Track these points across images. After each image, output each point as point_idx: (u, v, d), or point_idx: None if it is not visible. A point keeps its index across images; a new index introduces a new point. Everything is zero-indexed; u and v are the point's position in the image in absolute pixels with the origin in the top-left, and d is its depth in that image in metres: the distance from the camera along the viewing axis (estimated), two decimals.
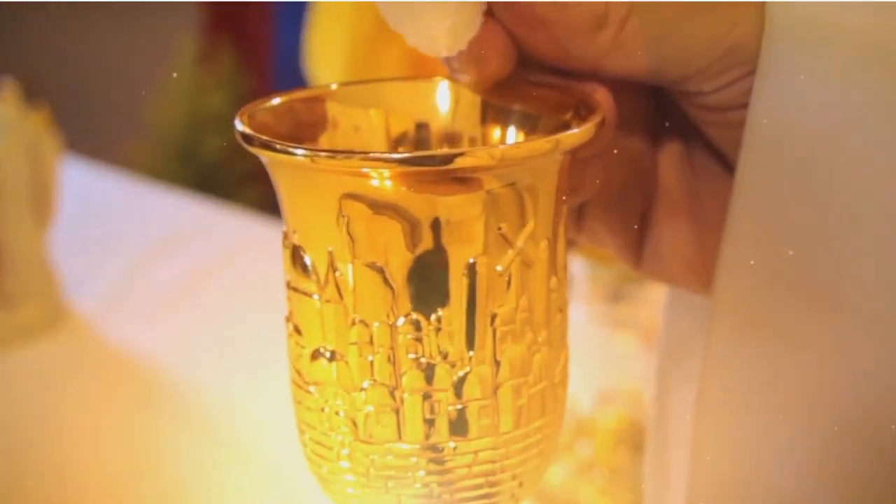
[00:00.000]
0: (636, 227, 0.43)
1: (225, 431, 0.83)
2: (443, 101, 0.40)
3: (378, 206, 0.34)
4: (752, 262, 0.38)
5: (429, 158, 0.34)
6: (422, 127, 0.40)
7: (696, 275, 0.42)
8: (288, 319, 0.38)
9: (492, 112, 0.39)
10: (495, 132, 0.39)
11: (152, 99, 1.99)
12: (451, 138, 0.40)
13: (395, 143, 0.40)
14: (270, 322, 0.99)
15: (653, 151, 0.43)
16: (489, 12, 0.37)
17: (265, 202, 2.01)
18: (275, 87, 2.07)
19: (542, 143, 0.34)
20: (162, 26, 2.22)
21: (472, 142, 0.40)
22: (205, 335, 0.98)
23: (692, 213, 0.42)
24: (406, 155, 0.34)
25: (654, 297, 0.84)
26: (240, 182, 1.97)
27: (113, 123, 1.95)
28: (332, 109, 0.40)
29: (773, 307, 0.38)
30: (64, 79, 2.12)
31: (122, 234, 1.18)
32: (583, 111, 0.37)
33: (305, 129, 0.39)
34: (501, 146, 0.33)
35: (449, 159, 0.33)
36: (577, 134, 0.35)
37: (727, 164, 0.41)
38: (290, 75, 2.00)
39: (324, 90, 0.40)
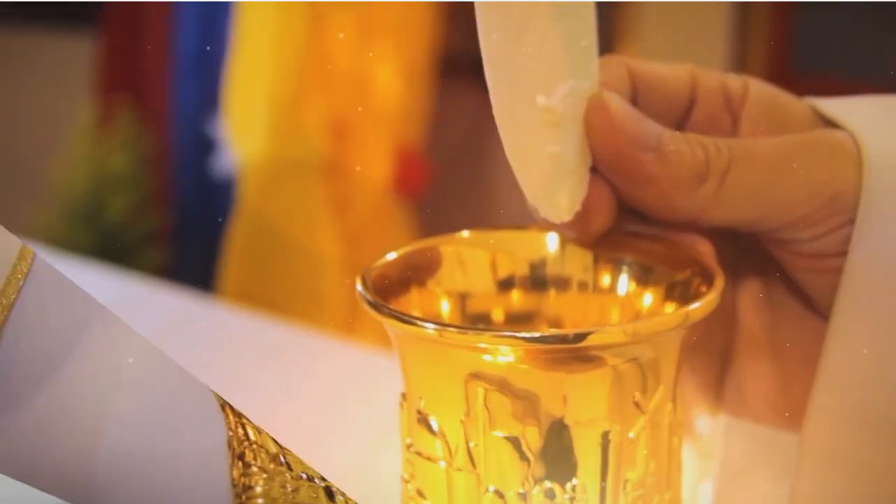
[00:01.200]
0: (717, 366, 0.43)
1: None
2: (551, 244, 0.40)
3: (509, 382, 0.34)
4: (845, 405, 0.39)
5: (558, 337, 0.33)
6: (531, 268, 0.40)
7: (779, 413, 0.42)
8: (407, 482, 0.37)
9: (602, 259, 0.39)
10: (605, 278, 0.39)
11: (53, 161, 1.94)
12: (560, 282, 0.40)
13: (502, 285, 0.40)
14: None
15: (732, 290, 0.43)
16: (594, 169, 0.37)
17: (167, 264, 1.96)
18: (175, 145, 2.03)
19: (673, 318, 0.35)
20: (59, 88, 2.17)
21: (582, 287, 0.39)
22: None
23: (773, 351, 0.42)
24: (536, 334, 0.33)
25: None
26: (142, 243, 1.94)
27: (12, 186, 1.89)
28: (442, 249, 0.39)
29: (867, 447, 0.38)
30: None
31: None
32: (696, 268, 0.37)
33: (415, 270, 0.39)
34: (632, 322, 0.33)
35: (580, 338, 0.33)
36: (704, 307, 0.35)
37: (807, 304, 0.41)
38: (190, 133, 1.97)
39: (434, 241, 0.39)
